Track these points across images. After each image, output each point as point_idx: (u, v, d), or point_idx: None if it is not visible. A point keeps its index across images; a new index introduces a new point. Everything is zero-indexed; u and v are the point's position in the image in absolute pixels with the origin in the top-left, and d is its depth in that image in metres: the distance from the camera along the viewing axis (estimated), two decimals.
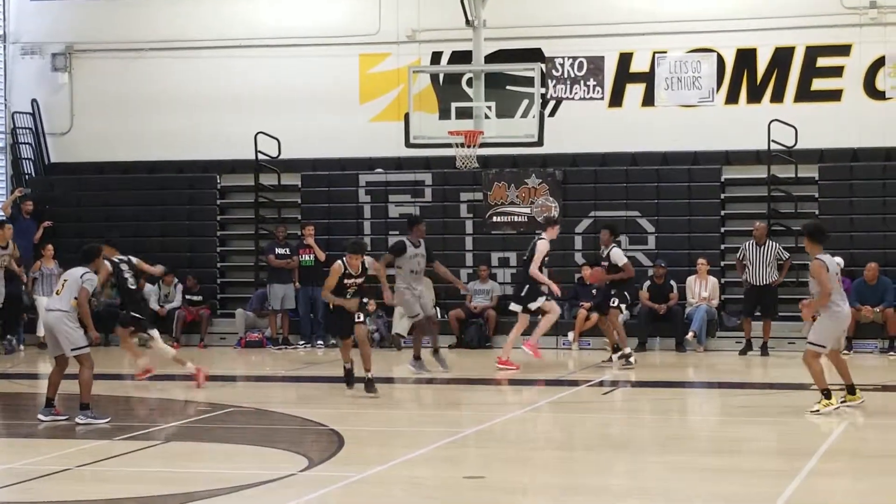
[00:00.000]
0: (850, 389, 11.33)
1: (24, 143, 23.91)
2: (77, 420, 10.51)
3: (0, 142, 24.22)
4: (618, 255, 15.80)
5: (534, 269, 15.74)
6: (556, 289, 15.75)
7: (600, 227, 17.27)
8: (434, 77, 21.47)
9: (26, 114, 23.88)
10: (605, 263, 15.93)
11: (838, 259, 12.20)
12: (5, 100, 24.28)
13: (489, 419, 12.46)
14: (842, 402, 11.24)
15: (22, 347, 19.57)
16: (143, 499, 8.17)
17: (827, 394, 11.01)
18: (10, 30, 24.42)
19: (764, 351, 17.32)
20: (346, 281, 13.37)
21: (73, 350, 11.52)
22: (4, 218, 22.14)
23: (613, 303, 16.49)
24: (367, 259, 14.51)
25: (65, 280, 11.21)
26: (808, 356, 11.40)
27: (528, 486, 9.00)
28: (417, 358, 14.47)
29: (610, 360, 16.29)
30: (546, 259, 16.10)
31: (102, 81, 24.00)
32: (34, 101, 23.95)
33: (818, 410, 10.93)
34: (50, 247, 20.85)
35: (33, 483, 8.62)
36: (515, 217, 21.26)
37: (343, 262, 13.56)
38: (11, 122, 23.98)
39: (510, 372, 15.57)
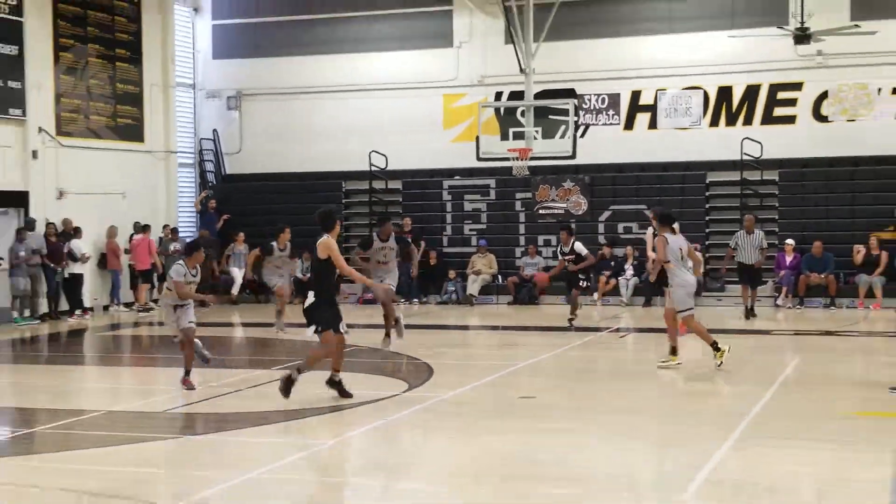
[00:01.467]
0: (715, 346, 10.46)
1: (208, 161, 24.55)
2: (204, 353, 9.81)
3: (191, 159, 24.70)
4: (580, 247, 14.91)
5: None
6: (654, 276, 13.88)
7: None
8: (497, 110, 21.57)
9: (209, 140, 24.53)
10: (571, 256, 14.74)
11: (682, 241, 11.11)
12: (195, 130, 24.91)
13: (538, 355, 12.62)
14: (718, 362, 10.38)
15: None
16: (289, 412, 8.57)
17: (716, 347, 10.38)
18: (198, 80, 25.05)
19: (751, 312, 16.70)
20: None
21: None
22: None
23: (581, 284, 15.60)
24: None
25: None
26: (688, 322, 10.86)
27: (565, 403, 9.21)
28: (387, 335, 12.23)
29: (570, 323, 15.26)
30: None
31: (263, 116, 24.50)
32: (214, 130, 24.49)
33: (665, 363, 10.45)
34: (241, 234, 21.12)
35: (213, 400, 9.17)
36: (555, 210, 21.35)
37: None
38: (199, 145, 24.65)
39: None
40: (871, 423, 7.94)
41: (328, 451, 7.55)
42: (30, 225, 18.55)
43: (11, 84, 18.63)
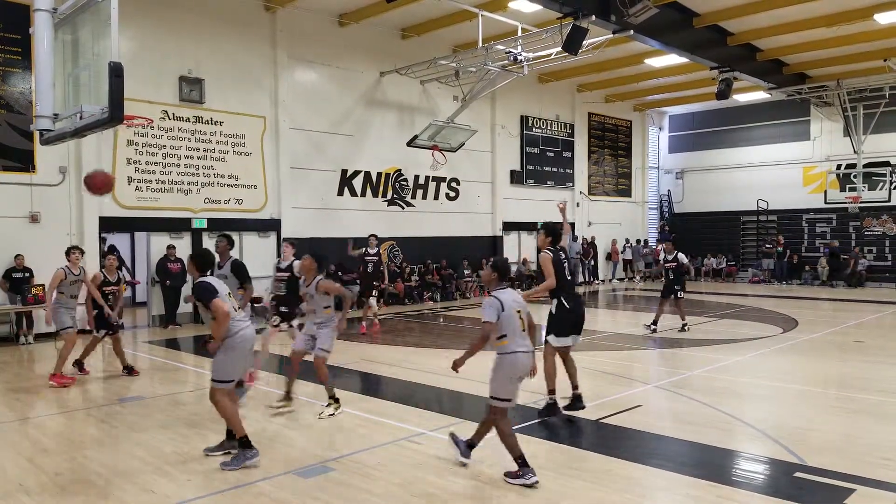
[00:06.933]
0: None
1: (664, 204, 28.81)
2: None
3: (655, 205, 28.90)
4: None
5: None
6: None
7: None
8: (837, 174, 24.54)
9: (664, 196, 29.17)
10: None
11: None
12: (657, 190, 29.40)
13: (863, 316, 13.66)
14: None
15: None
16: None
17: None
18: (660, 164, 29.46)
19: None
20: (104, 288, 9.05)
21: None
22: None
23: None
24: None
25: None
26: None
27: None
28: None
29: None
30: None
31: (694, 181, 28.11)
32: (668, 190, 29.32)
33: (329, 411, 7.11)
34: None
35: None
36: (875, 232, 23.80)
37: (102, 272, 8.91)
38: (660, 198, 29.01)
39: None
40: None
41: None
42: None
43: (567, 171, 24.07)
